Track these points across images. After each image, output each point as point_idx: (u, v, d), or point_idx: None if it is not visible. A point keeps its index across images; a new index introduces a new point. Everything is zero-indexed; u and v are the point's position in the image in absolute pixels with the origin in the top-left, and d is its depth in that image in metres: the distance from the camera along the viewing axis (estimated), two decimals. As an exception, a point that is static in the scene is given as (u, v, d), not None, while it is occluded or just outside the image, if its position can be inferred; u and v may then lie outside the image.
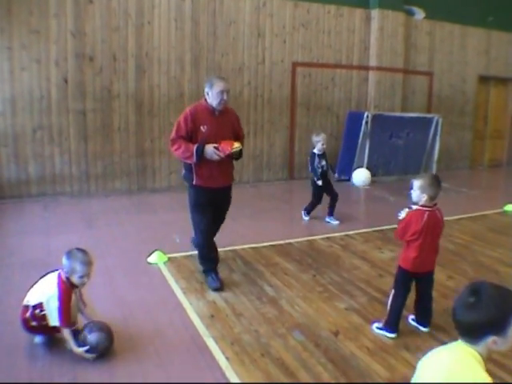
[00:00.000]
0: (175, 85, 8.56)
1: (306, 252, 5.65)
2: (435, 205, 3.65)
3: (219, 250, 4.80)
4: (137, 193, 8.38)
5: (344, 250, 5.74)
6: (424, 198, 3.58)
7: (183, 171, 4.70)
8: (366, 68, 10.46)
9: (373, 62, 10.39)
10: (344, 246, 5.88)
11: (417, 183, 3.60)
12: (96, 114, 8.04)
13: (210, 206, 4.63)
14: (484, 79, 12.67)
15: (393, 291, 3.77)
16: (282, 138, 9.83)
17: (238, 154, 4.56)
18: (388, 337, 3.69)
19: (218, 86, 4.36)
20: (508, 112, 13.51)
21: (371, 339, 3.67)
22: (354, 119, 9.67)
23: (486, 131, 13.23)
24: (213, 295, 4.35)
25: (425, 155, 10.68)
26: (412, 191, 3.64)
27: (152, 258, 5.14)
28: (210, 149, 4.34)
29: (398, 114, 10.40)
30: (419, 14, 11.07)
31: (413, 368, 3.12)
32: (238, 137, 4.71)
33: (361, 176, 9.56)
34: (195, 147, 4.32)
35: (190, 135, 4.40)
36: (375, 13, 10.26)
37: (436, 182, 3.59)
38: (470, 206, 7.91)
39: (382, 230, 6.59)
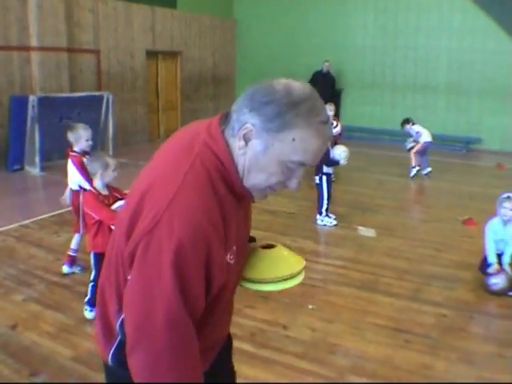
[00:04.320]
0: None
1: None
2: None
3: None
4: None
5: (19, 241, 6.09)
6: None
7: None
8: (27, 49, 10.42)
9: (34, 42, 10.41)
10: (19, 238, 6.23)
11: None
12: None
13: None
14: (152, 54, 13.91)
15: None
16: None
17: None
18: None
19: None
20: (177, 83, 15.13)
21: (51, 323, 4.09)
22: (20, 104, 9.69)
23: (159, 104, 14.65)
24: None
25: (99, 133, 11.24)
26: None
27: None
28: None
29: (66, 94, 10.67)
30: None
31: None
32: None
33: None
34: None
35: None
36: (31, -10, 10.31)
37: None
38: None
39: (58, 214, 7.05)
